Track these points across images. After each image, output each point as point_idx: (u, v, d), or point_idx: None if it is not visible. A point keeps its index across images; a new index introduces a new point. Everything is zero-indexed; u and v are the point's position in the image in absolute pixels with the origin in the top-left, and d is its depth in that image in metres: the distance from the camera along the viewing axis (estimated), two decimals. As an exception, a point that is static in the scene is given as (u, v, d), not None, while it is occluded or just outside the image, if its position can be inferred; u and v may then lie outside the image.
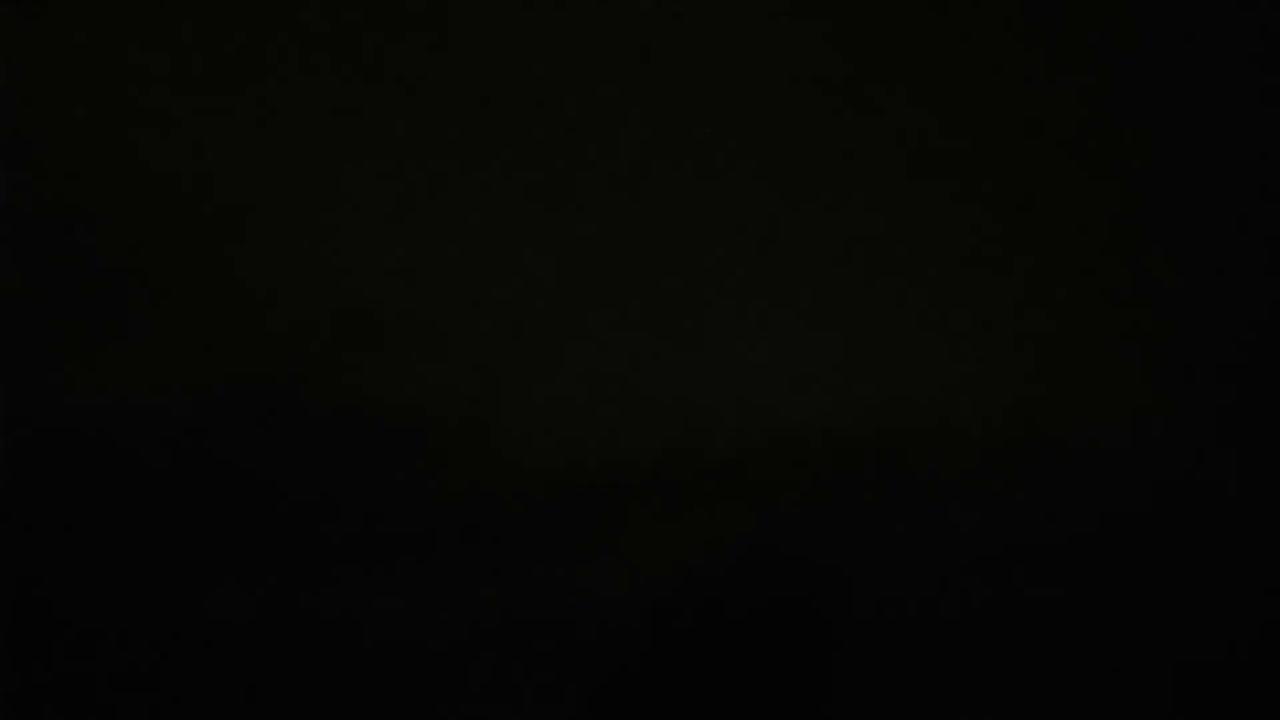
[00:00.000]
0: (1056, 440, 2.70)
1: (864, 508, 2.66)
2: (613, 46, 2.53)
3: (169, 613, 2.69)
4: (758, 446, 2.55)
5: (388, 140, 2.64)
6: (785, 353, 2.63)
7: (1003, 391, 2.67)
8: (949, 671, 2.76)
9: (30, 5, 2.51)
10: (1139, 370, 2.73)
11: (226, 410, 2.66)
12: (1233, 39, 2.67)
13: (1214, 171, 2.76)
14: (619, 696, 3.00)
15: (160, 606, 2.69)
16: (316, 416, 2.66)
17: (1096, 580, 2.75)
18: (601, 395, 2.59)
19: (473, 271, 2.64)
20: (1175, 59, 2.72)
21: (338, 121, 2.65)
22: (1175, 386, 2.76)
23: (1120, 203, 2.78)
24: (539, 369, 2.60)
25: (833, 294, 2.57)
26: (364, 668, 2.65)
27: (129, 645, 2.60)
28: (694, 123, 2.58)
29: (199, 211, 2.71)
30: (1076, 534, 2.73)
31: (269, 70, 2.67)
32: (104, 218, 2.71)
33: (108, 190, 2.71)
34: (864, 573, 2.70)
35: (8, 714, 2.64)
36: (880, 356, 2.65)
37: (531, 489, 2.59)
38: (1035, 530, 2.76)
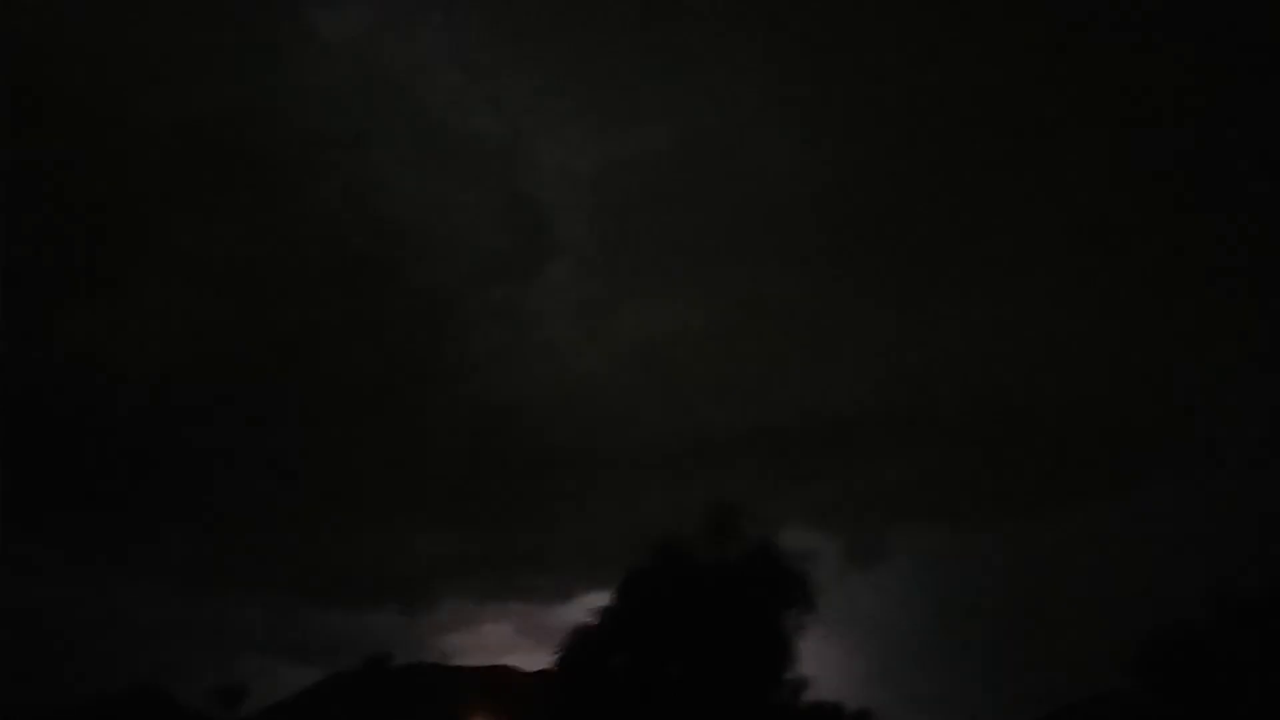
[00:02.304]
0: (1042, 424, 2.69)
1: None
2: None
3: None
4: (746, 421, 2.54)
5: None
6: (780, 340, 2.64)
7: (993, 377, 2.68)
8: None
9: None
10: (1135, 366, 2.72)
11: (231, 393, 2.66)
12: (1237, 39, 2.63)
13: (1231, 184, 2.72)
14: (600, 647, 3.00)
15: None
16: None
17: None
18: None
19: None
20: (1194, 60, 2.68)
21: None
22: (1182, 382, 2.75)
23: (1133, 201, 2.76)
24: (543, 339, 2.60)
25: (831, 286, 2.59)
26: None
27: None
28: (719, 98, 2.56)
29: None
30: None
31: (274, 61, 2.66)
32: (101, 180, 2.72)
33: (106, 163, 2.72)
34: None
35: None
36: (876, 345, 2.67)
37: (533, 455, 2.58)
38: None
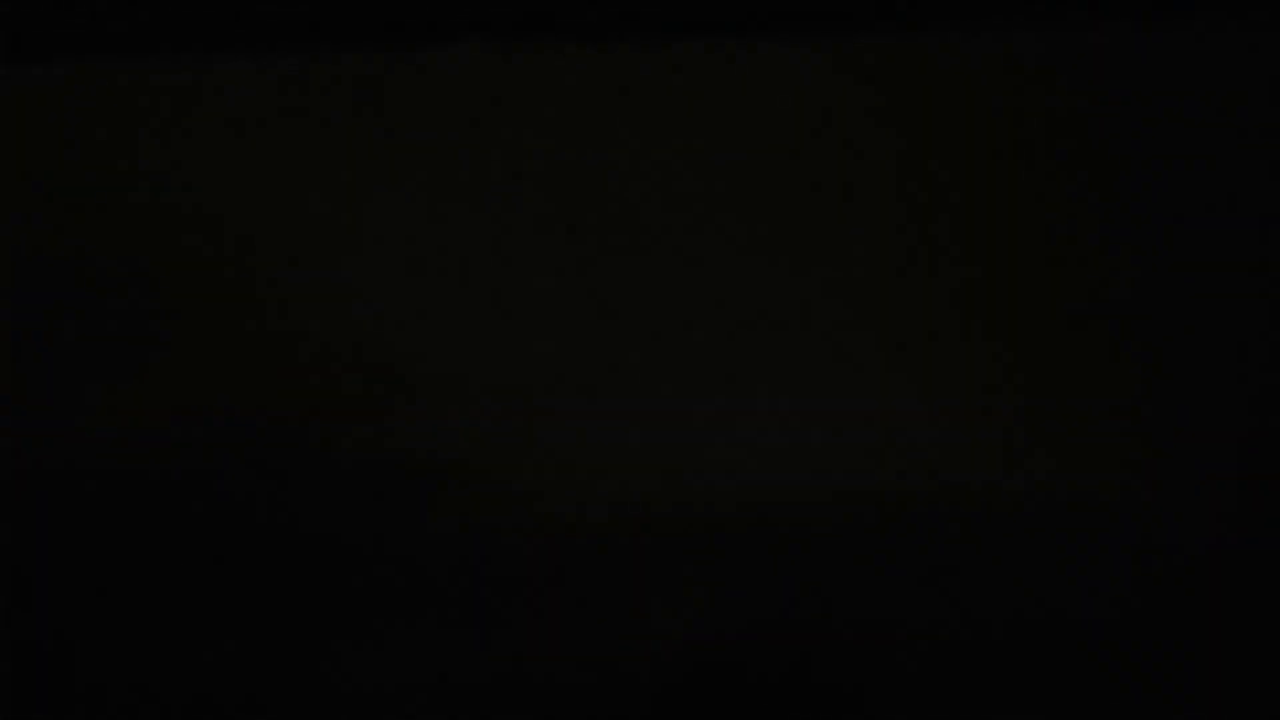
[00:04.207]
0: (1072, 506, 2.46)
1: (886, 567, 2.46)
2: (635, 120, 2.46)
3: (182, 659, 2.49)
4: (777, 505, 2.32)
5: (417, 195, 2.53)
6: (809, 414, 2.55)
7: (1019, 456, 2.52)
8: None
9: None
10: (1156, 436, 2.54)
11: (251, 457, 2.36)
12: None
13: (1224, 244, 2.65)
14: None
15: (173, 652, 2.54)
16: (341, 465, 2.42)
17: (1111, 647, 2.50)
18: (626, 450, 2.55)
19: (501, 326, 2.56)
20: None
21: (369, 176, 2.49)
22: (1194, 453, 2.53)
23: (1136, 268, 2.58)
24: (565, 423, 2.53)
25: (854, 357, 2.56)
26: (379, 715, 2.57)
27: (141, 690, 2.34)
28: (722, 186, 2.50)
29: (229, 257, 2.52)
30: (1092, 601, 2.52)
31: (300, 125, 2.48)
32: (136, 256, 2.55)
33: (138, 232, 2.52)
34: (884, 632, 2.42)
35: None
36: (903, 418, 2.51)
37: (555, 541, 2.44)
38: (1053, 597, 2.50)
